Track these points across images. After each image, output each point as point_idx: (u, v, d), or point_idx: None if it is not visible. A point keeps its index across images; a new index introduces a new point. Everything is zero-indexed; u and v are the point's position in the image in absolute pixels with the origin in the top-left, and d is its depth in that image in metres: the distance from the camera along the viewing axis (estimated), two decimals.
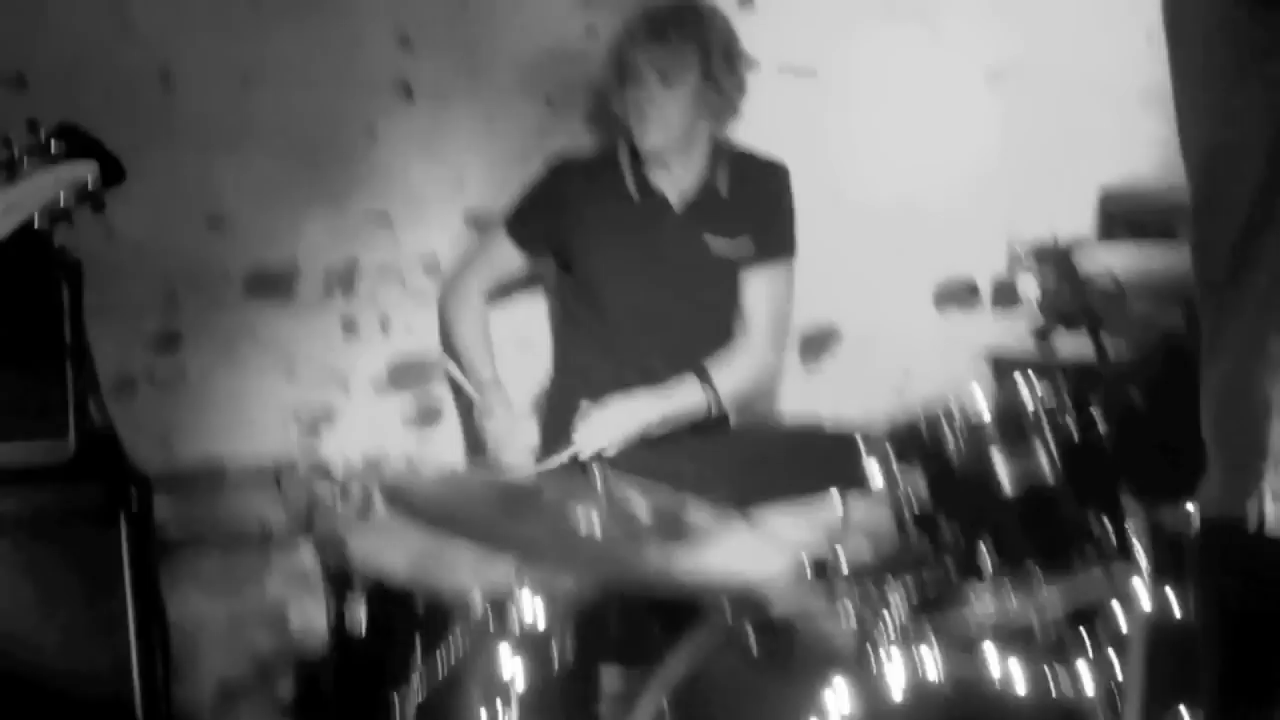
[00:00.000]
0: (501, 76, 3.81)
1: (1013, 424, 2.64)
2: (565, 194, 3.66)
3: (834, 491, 3.10)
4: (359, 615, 2.74)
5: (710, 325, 3.71)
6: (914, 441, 2.68)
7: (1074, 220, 4.11)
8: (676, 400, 3.55)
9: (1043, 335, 3.24)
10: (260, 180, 3.60)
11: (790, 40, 4.04)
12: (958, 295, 4.33)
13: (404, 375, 3.87)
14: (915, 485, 2.68)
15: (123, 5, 3.48)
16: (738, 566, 2.55)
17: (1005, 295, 4.25)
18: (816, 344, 4.21)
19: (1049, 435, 2.65)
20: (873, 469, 2.72)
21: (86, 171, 2.48)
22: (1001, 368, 3.85)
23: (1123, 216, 4.10)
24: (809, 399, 4.10)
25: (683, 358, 3.60)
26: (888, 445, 2.72)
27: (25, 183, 2.43)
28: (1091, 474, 2.66)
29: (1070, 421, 2.67)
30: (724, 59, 3.55)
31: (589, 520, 2.55)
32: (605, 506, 2.59)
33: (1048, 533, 2.61)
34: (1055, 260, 2.93)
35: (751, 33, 3.76)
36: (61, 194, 2.46)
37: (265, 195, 3.61)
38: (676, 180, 3.66)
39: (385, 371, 3.84)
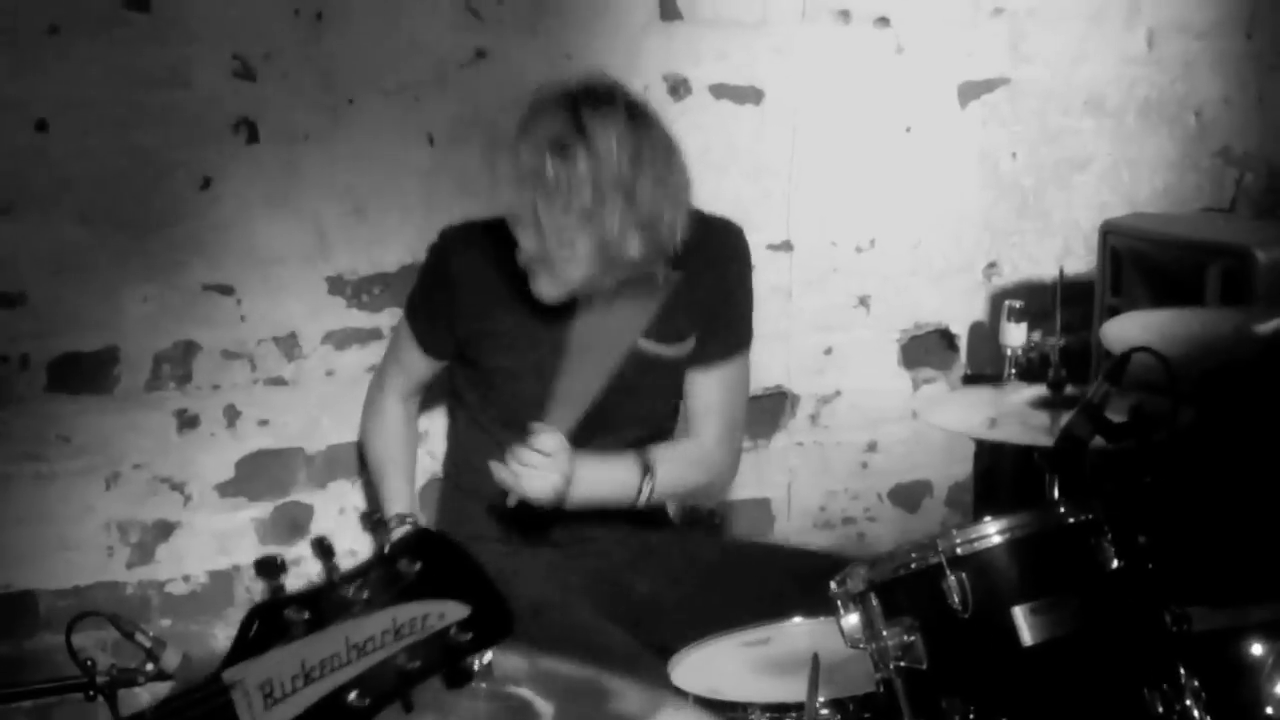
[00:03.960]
0: (369, 111, 3.29)
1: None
2: (458, 276, 2.99)
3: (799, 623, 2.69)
4: None
5: (640, 438, 3.03)
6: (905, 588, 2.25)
7: (1065, 261, 3.83)
8: (609, 470, 2.92)
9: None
10: (65, 249, 3.13)
11: (725, 54, 3.57)
12: (931, 351, 3.89)
13: (258, 480, 3.36)
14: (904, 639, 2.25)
15: None
16: None
17: (983, 352, 3.87)
18: (764, 414, 3.74)
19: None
20: (850, 621, 2.29)
21: (454, 618, 1.58)
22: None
23: (1130, 255, 3.69)
24: (754, 480, 3.73)
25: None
26: (872, 596, 2.26)
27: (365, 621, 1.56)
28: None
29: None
30: (626, 201, 2.69)
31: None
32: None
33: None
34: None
35: (679, 47, 3.47)
36: (403, 652, 1.57)
37: (72, 267, 3.14)
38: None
39: (233, 475, 3.35)
